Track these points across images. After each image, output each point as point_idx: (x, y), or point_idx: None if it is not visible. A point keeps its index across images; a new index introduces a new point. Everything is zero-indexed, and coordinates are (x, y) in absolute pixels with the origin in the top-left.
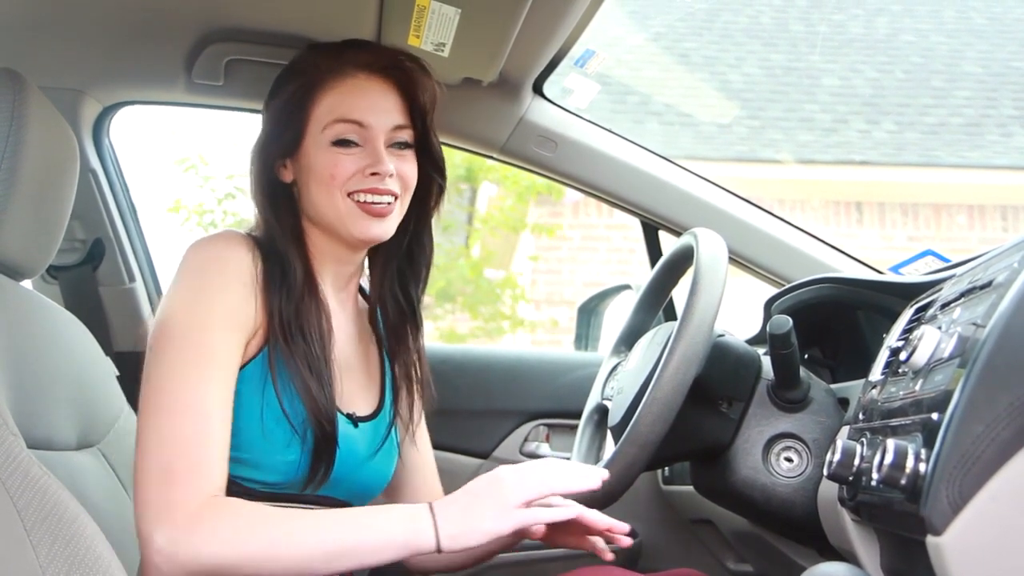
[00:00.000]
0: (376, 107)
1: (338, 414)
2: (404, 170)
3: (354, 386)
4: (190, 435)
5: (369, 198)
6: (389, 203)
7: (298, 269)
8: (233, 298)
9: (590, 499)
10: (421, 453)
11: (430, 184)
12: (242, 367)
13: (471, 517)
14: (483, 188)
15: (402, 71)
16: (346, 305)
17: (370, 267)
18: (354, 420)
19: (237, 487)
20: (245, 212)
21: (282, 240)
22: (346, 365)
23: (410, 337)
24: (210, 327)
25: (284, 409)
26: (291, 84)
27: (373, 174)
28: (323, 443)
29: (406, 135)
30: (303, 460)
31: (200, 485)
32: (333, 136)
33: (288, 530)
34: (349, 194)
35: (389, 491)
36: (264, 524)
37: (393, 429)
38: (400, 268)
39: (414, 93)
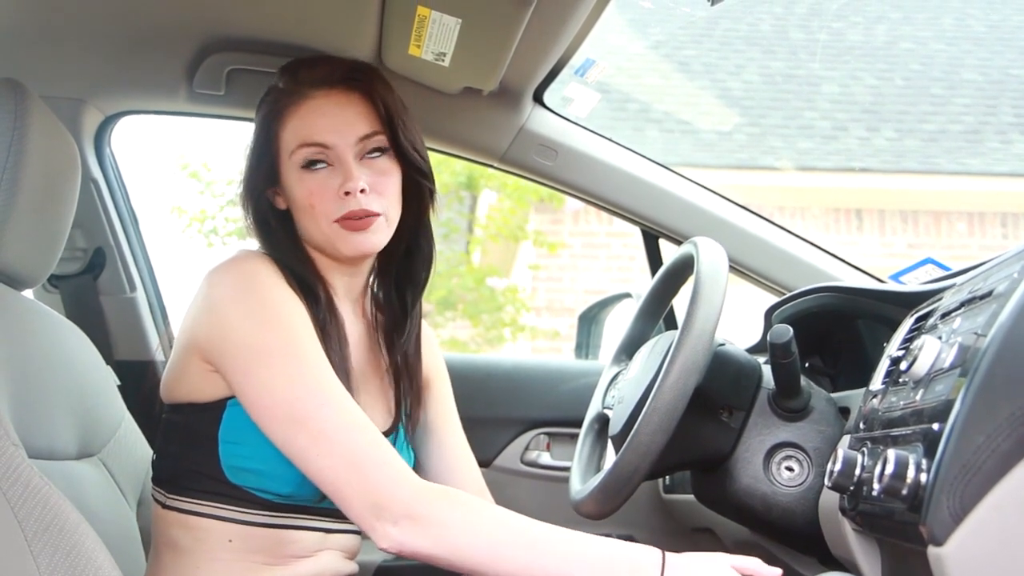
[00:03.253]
0: (337, 123)
1: None
2: (379, 182)
3: (368, 399)
4: (355, 426)
5: (349, 220)
6: (369, 218)
7: (315, 282)
8: (292, 301)
9: (593, 509)
10: (456, 444)
11: (420, 190)
12: None
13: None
14: (483, 195)
15: (359, 80)
16: (358, 314)
17: (376, 270)
18: None
19: (252, 497)
20: None
21: (290, 264)
22: (362, 376)
23: (400, 339)
24: (296, 330)
25: None
26: (259, 116)
27: (346, 193)
28: None
29: (377, 141)
30: None
31: (401, 470)
32: (301, 160)
33: (519, 533)
34: (332, 221)
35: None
36: (499, 516)
37: (409, 444)
38: (398, 271)
39: (376, 99)
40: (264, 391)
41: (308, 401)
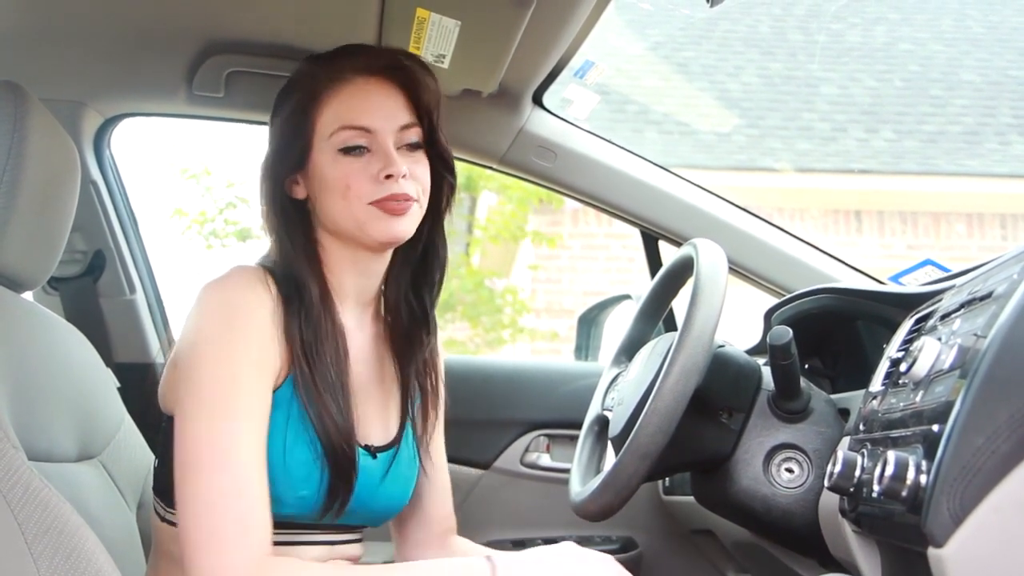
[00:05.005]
0: (381, 109)
1: (356, 445)
2: (416, 171)
3: (372, 411)
4: (232, 494)
5: (388, 203)
6: (407, 202)
7: (314, 290)
8: (257, 343)
9: (592, 511)
10: (436, 468)
11: (441, 182)
12: None
13: None
14: (483, 197)
15: (402, 70)
16: (366, 323)
17: (385, 274)
18: (372, 452)
19: None
20: (245, 221)
21: (296, 261)
22: (364, 389)
23: (423, 342)
24: (238, 379)
25: (314, 439)
26: (292, 98)
27: (388, 176)
28: (341, 476)
29: (414, 134)
30: (320, 493)
31: (249, 544)
32: (340, 143)
33: None
34: (369, 203)
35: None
36: None
37: (415, 453)
38: (414, 273)
39: (417, 91)
40: (183, 422)
41: (207, 455)
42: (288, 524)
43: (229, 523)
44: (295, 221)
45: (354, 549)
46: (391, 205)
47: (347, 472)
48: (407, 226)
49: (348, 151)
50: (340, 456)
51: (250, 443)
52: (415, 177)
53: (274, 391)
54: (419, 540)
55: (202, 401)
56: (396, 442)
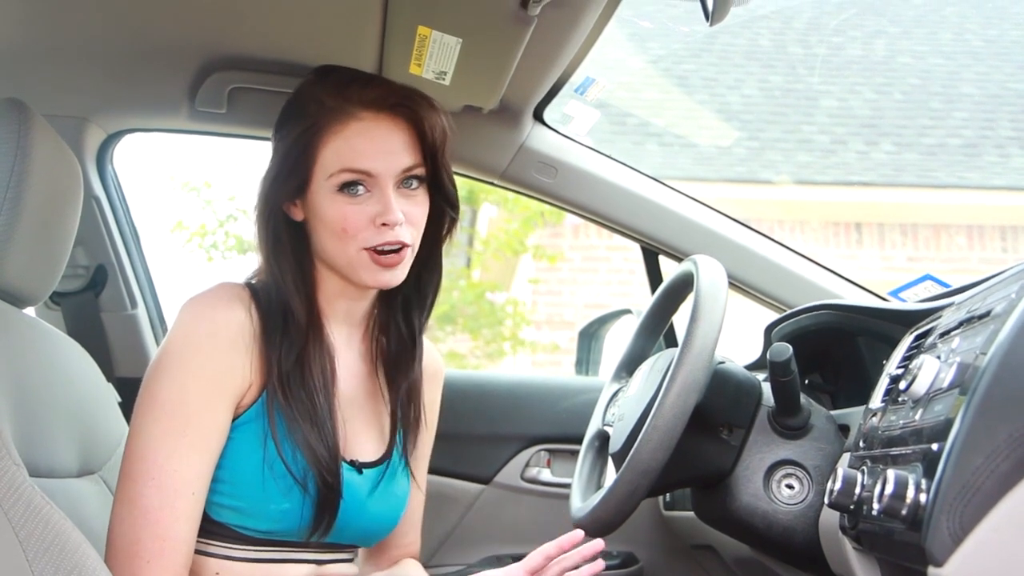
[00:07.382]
0: (384, 151)
1: (342, 463)
2: (413, 213)
3: (361, 427)
4: (156, 508)
5: (382, 251)
6: (400, 251)
7: (301, 316)
8: (219, 364)
9: (593, 526)
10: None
11: (442, 217)
12: (237, 417)
13: None
14: (483, 210)
15: (410, 108)
16: (357, 341)
17: (378, 294)
18: (358, 467)
19: (234, 533)
20: (247, 234)
21: (285, 285)
22: (353, 406)
23: (410, 369)
24: (190, 397)
25: (284, 460)
26: (297, 125)
27: (383, 224)
28: (326, 494)
29: (417, 172)
30: (305, 510)
31: (164, 564)
32: (339, 183)
33: None
34: (363, 248)
35: None
36: None
37: (405, 471)
38: (406, 295)
39: (423, 130)
40: (131, 431)
41: (140, 467)
42: (273, 542)
43: (148, 537)
44: (288, 243)
45: (345, 568)
46: (385, 259)
47: (331, 493)
48: (398, 275)
49: (346, 189)
50: (322, 479)
51: (189, 460)
52: (411, 221)
53: (248, 407)
54: (373, 556)
55: (148, 413)
56: (385, 458)
